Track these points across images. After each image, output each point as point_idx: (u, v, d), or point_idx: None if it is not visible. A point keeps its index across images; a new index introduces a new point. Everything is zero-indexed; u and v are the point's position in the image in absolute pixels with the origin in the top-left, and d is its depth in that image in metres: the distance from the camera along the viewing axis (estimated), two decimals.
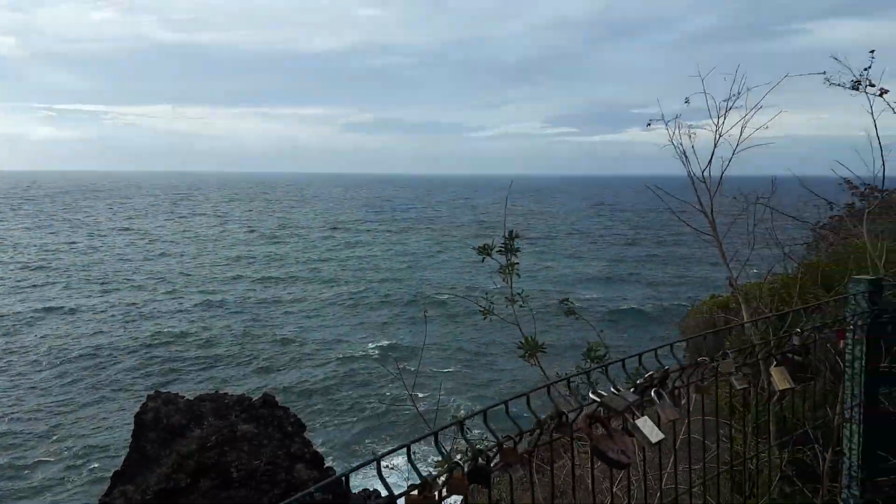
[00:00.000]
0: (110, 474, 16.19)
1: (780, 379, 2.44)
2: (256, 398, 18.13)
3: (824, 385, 4.74)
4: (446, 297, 41.71)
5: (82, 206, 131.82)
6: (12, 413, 24.43)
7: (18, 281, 50.00)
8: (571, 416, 1.80)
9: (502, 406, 1.78)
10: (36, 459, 20.92)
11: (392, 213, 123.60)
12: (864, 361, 3.06)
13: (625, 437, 1.93)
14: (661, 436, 1.96)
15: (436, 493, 1.38)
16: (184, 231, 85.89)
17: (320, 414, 25.10)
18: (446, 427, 1.57)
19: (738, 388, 2.34)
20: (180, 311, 40.66)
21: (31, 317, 38.58)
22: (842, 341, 2.79)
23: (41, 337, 34.47)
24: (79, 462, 20.83)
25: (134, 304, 42.28)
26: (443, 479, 1.42)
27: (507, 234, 5.54)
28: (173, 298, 44.24)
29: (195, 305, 42.03)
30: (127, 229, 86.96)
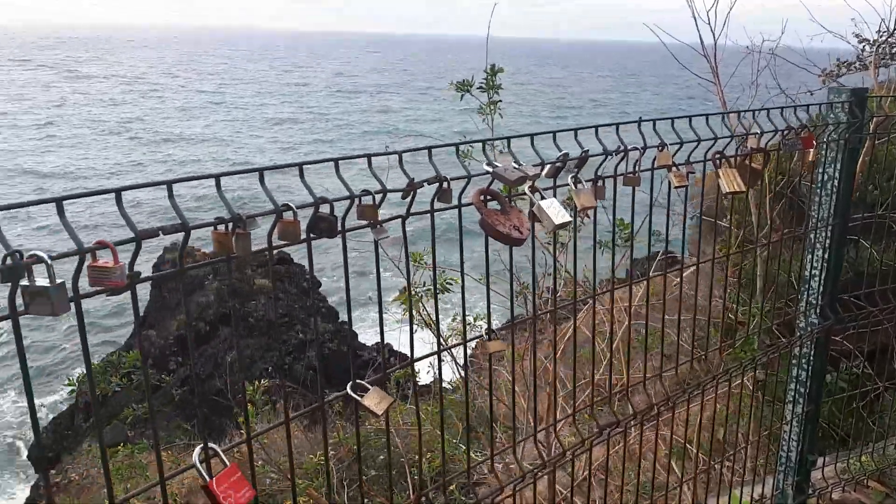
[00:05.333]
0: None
1: (728, 181, 2.21)
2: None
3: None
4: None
5: None
6: None
7: None
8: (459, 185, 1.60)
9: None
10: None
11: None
12: (837, 182, 2.78)
13: (521, 215, 1.75)
14: (568, 218, 1.78)
15: (248, 234, 1.21)
16: None
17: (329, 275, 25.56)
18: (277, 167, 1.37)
19: (675, 186, 2.13)
20: None
21: None
22: (810, 151, 2.50)
23: None
24: (100, 311, 21.79)
25: None
26: (272, 220, 1.26)
27: (488, 69, 5.14)
28: None
29: None
30: None
